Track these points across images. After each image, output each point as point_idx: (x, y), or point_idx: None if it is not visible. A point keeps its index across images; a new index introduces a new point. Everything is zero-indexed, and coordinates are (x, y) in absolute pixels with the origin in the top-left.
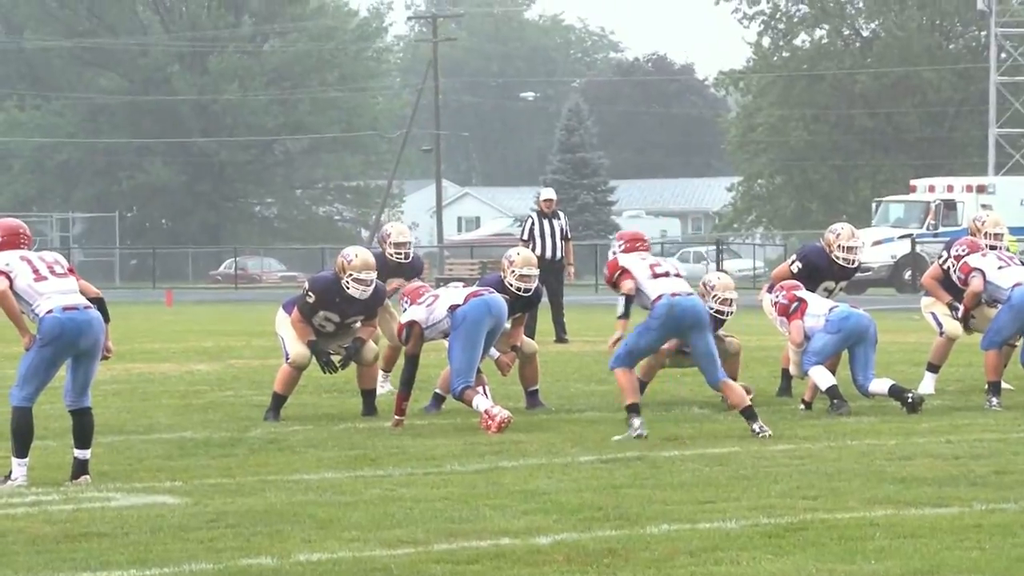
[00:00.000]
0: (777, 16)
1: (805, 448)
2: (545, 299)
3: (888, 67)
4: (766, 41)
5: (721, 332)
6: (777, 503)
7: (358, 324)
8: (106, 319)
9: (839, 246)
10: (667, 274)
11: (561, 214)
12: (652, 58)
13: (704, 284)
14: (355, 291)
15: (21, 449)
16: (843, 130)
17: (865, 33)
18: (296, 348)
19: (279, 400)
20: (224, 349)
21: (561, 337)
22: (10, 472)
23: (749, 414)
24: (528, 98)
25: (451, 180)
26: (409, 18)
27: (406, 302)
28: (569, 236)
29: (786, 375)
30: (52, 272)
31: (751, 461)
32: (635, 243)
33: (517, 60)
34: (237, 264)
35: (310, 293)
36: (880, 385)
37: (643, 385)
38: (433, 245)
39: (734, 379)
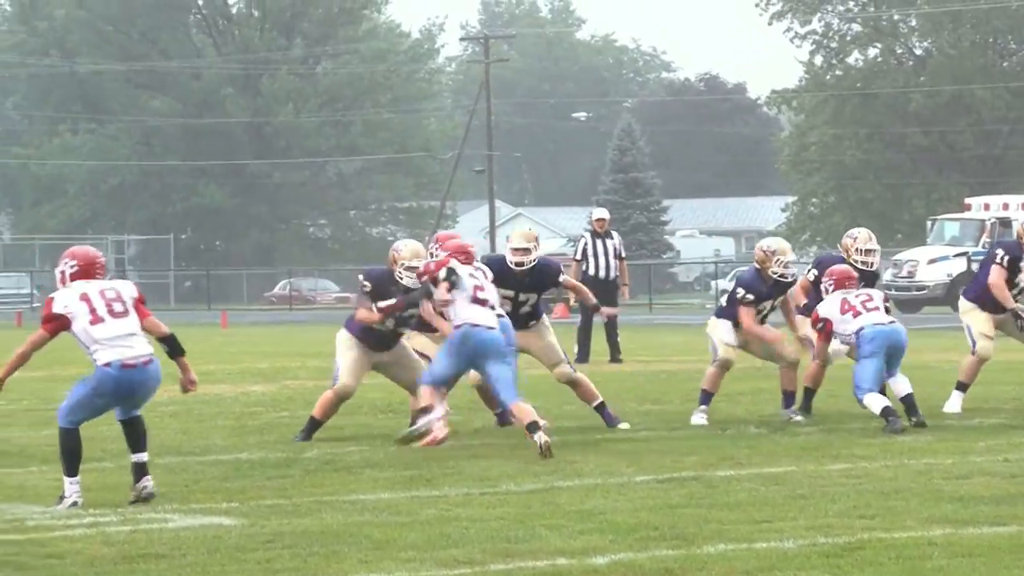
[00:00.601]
0: (830, 35)
1: (862, 467)
2: (599, 319)
3: (942, 85)
4: (818, 60)
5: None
6: (834, 522)
7: (411, 321)
8: (181, 352)
9: (856, 249)
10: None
11: (615, 234)
12: (704, 78)
13: (764, 251)
14: (408, 280)
15: (71, 468)
16: (896, 149)
17: (918, 52)
18: (345, 378)
19: (314, 425)
20: (279, 370)
21: (616, 357)
22: (63, 493)
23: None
24: (580, 118)
25: (504, 200)
26: (461, 39)
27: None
28: (623, 255)
29: (809, 393)
30: (110, 312)
31: (808, 480)
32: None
33: (569, 80)
34: (291, 285)
35: (366, 283)
36: (875, 401)
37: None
38: None
39: (792, 390)
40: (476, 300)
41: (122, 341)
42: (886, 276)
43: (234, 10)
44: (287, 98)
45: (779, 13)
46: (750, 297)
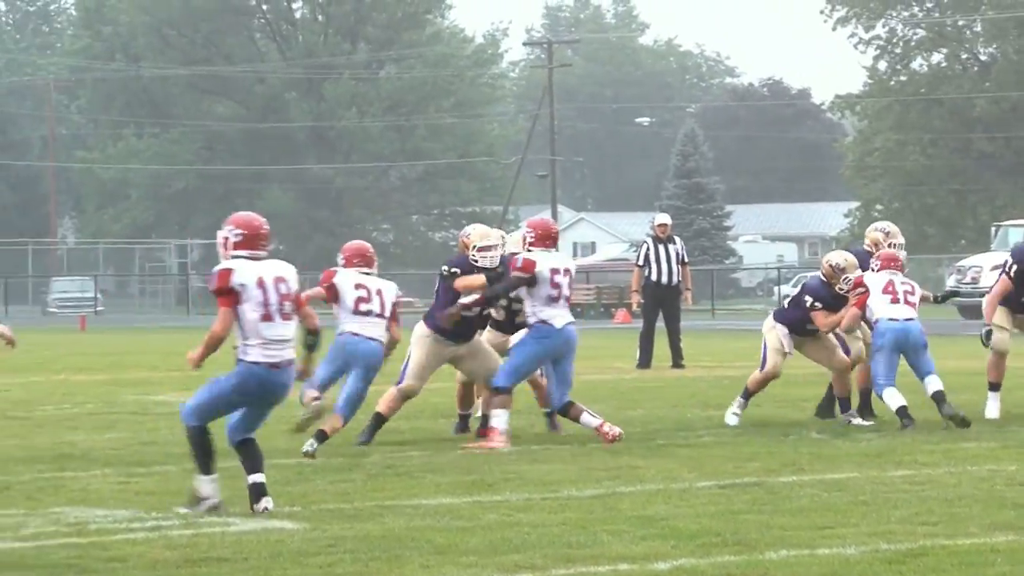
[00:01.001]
0: (894, 41)
1: (925, 473)
2: (661, 323)
3: (1006, 91)
4: (882, 65)
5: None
6: (897, 529)
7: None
8: (316, 348)
9: (892, 244)
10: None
11: (677, 239)
12: (768, 83)
13: (832, 267)
14: (484, 261)
15: (206, 465)
16: (961, 154)
17: (983, 57)
18: (411, 379)
19: (379, 421)
20: None
21: (677, 363)
22: (198, 496)
23: None
24: (643, 123)
25: (566, 206)
26: (525, 43)
27: None
28: (686, 261)
29: (865, 396)
30: (282, 313)
31: (870, 487)
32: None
33: (632, 85)
34: None
35: (453, 269)
36: (893, 399)
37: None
38: None
39: (846, 395)
40: (552, 299)
41: (277, 345)
42: (949, 282)
43: (298, 15)
44: (350, 102)
45: (843, 18)
46: (819, 305)
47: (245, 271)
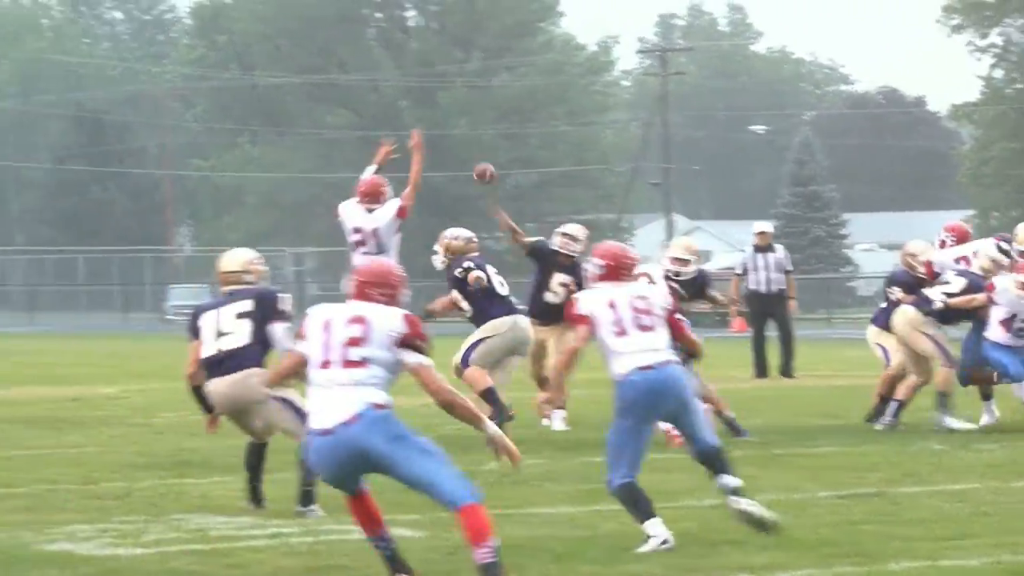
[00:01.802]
0: (1010, 49)
1: None
2: (773, 333)
3: None
4: (998, 73)
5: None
6: (1020, 540)
7: None
8: None
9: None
10: None
11: (779, 247)
12: (884, 91)
13: (907, 254)
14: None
15: (644, 513)
16: None
17: None
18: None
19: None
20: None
21: (787, 372)
22: (647, 534)
23: None
24: (758, 131)
25: (682, 214)
26: (638, 51)
27: None
28: (790, 269)
29: (943, 397)
30: (638, 325)
31: (992, 497)
32: None
33: (745, 93)
34: None
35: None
36: None
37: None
38: None
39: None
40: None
41: (643, 354)
42: None
43: (411, 23)
44: (464, 111)
45: (959, 26)
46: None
47: (591, 299)
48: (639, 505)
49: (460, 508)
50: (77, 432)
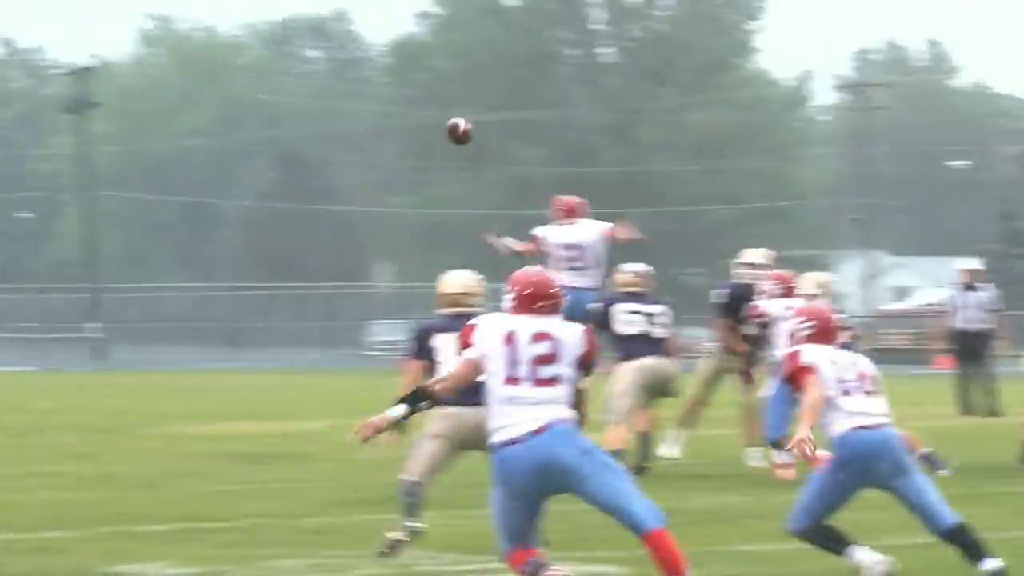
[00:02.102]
0: None
1: None
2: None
3: None
4: None
5: None
6: None
7: None
8: None
9: None
10: None
11: (987, 286)
12: None
13: None
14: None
15: (842, 542)
16: None
17: None
18: None
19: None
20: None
21: (992, 410)
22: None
23: None
24: (960, 167)
25: (884, 250)
26: (836, 87)
27: None
28: (998, 308)
29: None
30: (862, 391)
31: None
32: None
33: (944, 128)
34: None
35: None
36: None
37: None
38: (865, 315)
39: None
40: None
41: (861, 415)
42: None
43: (605, 60)
44: (660, 146)
45: None
46: None
47: (814, 354)
48: (832, 535)
49: (648, 533)
50: (282, 467)
